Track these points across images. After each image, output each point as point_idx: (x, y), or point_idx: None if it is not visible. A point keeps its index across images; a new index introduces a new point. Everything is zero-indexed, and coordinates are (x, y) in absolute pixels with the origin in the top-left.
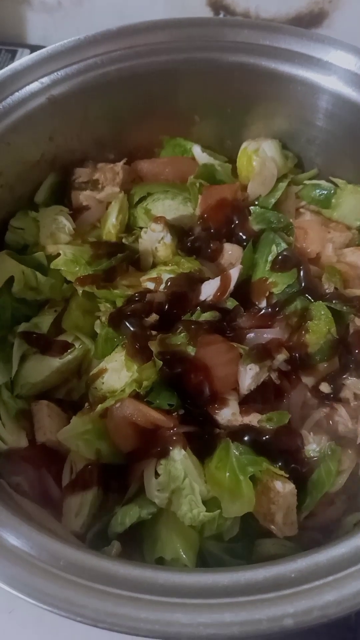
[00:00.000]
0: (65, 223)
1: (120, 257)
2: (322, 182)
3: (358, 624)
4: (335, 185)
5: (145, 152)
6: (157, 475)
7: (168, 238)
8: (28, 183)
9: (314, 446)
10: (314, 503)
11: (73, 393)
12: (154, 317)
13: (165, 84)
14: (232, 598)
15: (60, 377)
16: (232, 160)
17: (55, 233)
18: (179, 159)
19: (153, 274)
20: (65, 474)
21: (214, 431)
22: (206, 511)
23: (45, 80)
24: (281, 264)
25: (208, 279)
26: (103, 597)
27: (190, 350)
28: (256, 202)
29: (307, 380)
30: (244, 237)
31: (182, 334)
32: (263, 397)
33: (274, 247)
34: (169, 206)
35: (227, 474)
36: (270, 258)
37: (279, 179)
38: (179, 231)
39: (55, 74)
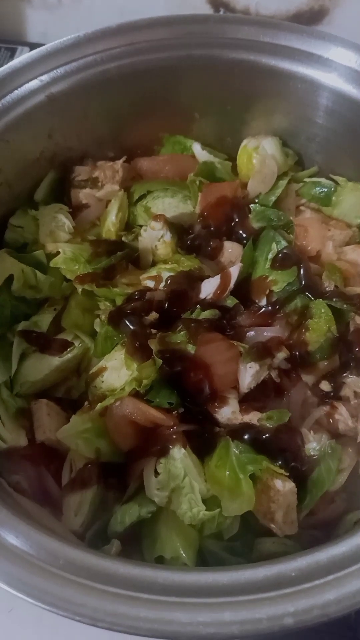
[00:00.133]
0: (65, 221)
1: (120, 255)
2: (323, 180)
3: (358, 622)
4: (336, 182)
5: (145, 149)
6: (156, 474)
7: (168, 236)
8: (27, 181)
9: (314, 444)
10: (314, 501)
11: (72, 391)
12: (153, 316)
13: (165, 81)
14: (232, 597)
15: (60, 376)
16: (232, 157)
17: (55, 231)
18: (179, 157)
19: (153, 272)
20: (64, 473)
21: (213, 430)
22: (206, 510)
23: (45, 78)
24: (281, 262)
25: (208, 277)
26: (102, 596)
27: (190, 349)
28: (256, 200)
29: (307, 378)
30: (244, 235)
31: (182, 333)
32: (263, 395)
33: (274, 245)
34: (168, 204)
35: (227, 472)
36: (270, 256)
37: (279, 177)
38: (179, 229)
39: (55, 71)
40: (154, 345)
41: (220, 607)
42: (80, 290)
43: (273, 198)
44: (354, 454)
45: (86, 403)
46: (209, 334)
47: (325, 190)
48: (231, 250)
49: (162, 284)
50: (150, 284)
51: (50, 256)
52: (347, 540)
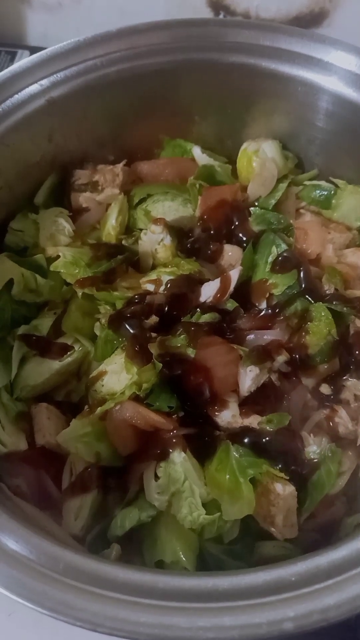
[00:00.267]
0: (65, 225)
1: (120, 259)
2: (323, 183)
3: (358, 624)
4: (336, 185)
5: (145, 153)
6: (156, 477)
7: (168, 239)
8: (28, 184)
9: (314, 448)
10: (314, 505)
11: (72, 395)
12: (153, 319)
13: (165, 85)
14: (231, 602)
15: (60, 380)
16: (232, 161)
17: (55, 235)
18: (179, 160)
19: (153, 275)
20: (64, 477)
21: (213, 433)
22: (206, 514)
23: (45, 82)
24: (281, 265)
25: (208, 280)
26: (102, 601)
27: (190, 352)
28: (256, 203)
29: (308, 381)
30: (244, 238)
31: (182, 336)
32: (263, 398)
33: (274, 248)
34: (168, 207)
35: (227, 476)
36: (270, 259)
37: (279, 180)
38: (179, 232)
39: (55, 75)
40: (154, 349)
41: (220, 611)
42: (81, 293)
43: (273, 201)
44: (354, 457)
45: (86, 407)
46: (209, 338)
47: (325, 193)
48: (231, 254)
49: (162, 288)
50: (150, 287)
51: (51, 260)
52: (347, 544)
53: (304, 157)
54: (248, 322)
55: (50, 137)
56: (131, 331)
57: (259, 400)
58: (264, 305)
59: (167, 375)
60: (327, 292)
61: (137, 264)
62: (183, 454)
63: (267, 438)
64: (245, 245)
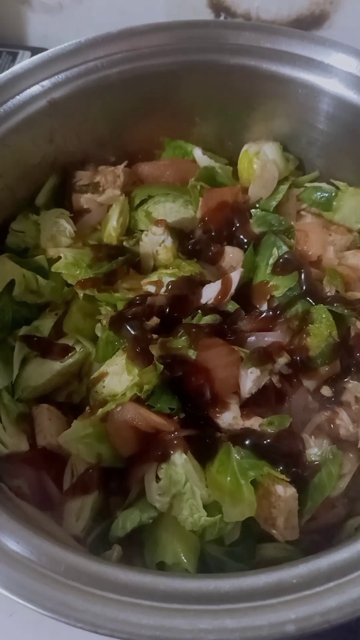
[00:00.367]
0: (66, 226)
1: (121, 260)
2: (323, 185)
3: (359, 626)
4: (336, 187)
5: (146, 154)
6: (158, 479)
7: (169, 241)
8: (29, 185)
9: (315, 450)
10: (315, 507)
11: (74, 396)
12: (154, 321)
13: (166, 86)
14: (233, 604)
15: (61, 381)
16: (233, 162)
17: (56, 236)
18: (180, 162)
19: (154, 277)
20: (66, 478)
21: (215, 435)
22: (207, 516)
23: (46, 83)
24: (282, 267)
25: (209, 282)
26: (104, 603)
27: (191, 354)
28: (257, 205)
29: (308, 383)
30: (245, 240)
31: (183, 338)
32: (264, 400)
33: (275, 250)
34: (169, 209)
35: (228, 478)
36: (271, 261)
37: (280, 182)
38: (180, 234)
39: (56, 77)
40: (155, 350)
41: (221, 614)
42: (82, 295)
43: (274, 203)
44: (355, 459)
45: (87, 408)
46: (210, 339)
47: (326, 195)
48: (232, 255)
49: (163, 289)
50: (152, 289)
51: (52, 261)
52: (349, 546)
53: (305, 159)
54: (249, 323)
55: (51, 138)
56: (132, 332)
57: (260, 402)
58: (264, 307)
59: (168, 377)
60: (328, 294)
61: (138, 265)
62: (184, 456)
63: (268, 440)
64: (246, 247)
